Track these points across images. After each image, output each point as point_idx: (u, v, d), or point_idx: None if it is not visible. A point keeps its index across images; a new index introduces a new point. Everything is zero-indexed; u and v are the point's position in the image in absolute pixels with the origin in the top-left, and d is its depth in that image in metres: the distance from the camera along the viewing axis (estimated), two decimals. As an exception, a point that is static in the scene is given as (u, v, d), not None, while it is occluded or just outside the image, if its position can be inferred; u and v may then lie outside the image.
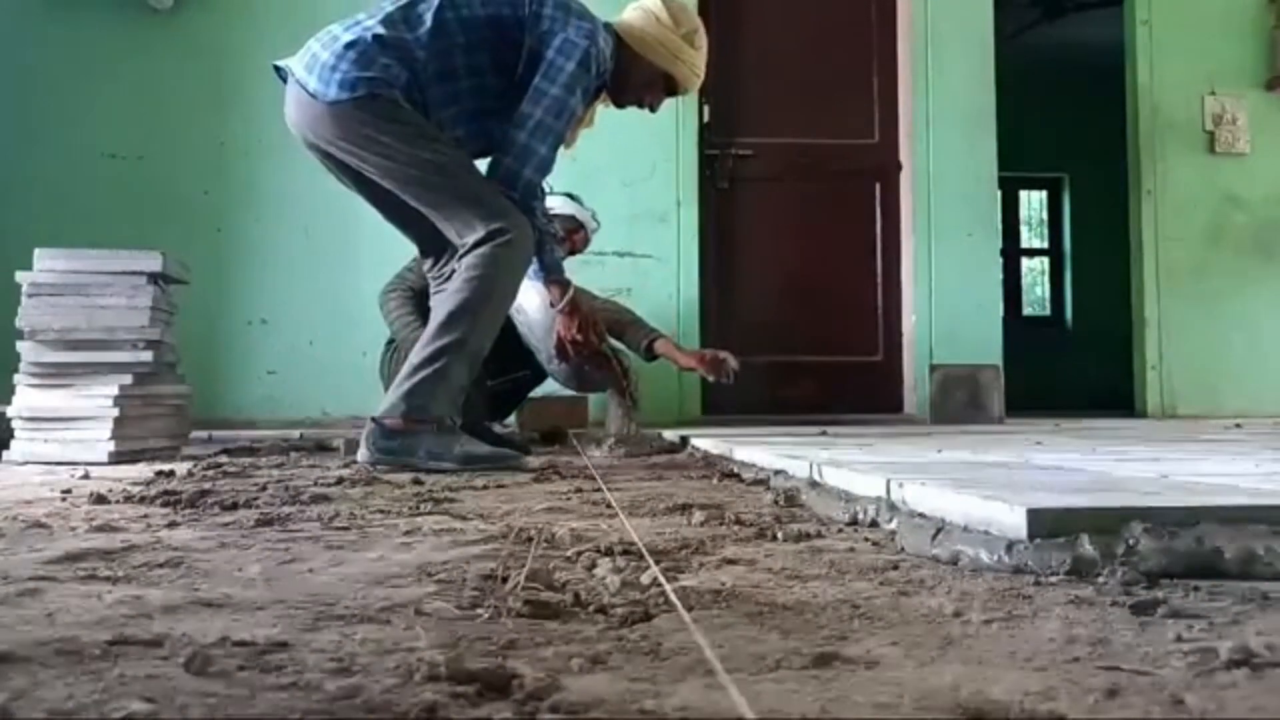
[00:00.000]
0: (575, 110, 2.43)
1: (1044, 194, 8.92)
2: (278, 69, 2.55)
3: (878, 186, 4.83)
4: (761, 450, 2.08)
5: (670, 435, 3.28)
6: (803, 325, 4.75)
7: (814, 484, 1.55)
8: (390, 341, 3.39)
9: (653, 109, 2.72)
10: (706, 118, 4.68)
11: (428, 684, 0.56)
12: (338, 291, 4.38)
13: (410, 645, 0.66)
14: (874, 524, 1.22)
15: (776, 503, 1.50)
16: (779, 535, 1.16)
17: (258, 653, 0.63)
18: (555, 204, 3.22)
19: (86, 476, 2.07)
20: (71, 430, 2.55)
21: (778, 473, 1.81)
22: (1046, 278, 9.00)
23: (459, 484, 1.90)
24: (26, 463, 2.50)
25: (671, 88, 2.67)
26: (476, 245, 2.33)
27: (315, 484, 1.84)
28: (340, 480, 1.93)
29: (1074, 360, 8.04)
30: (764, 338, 4.68)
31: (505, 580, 0.88)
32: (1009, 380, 4.70)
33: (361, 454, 2.24)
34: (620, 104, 2.68)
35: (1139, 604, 0.75)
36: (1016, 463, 1.65)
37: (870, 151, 4.83)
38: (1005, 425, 4.23)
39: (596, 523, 1.29)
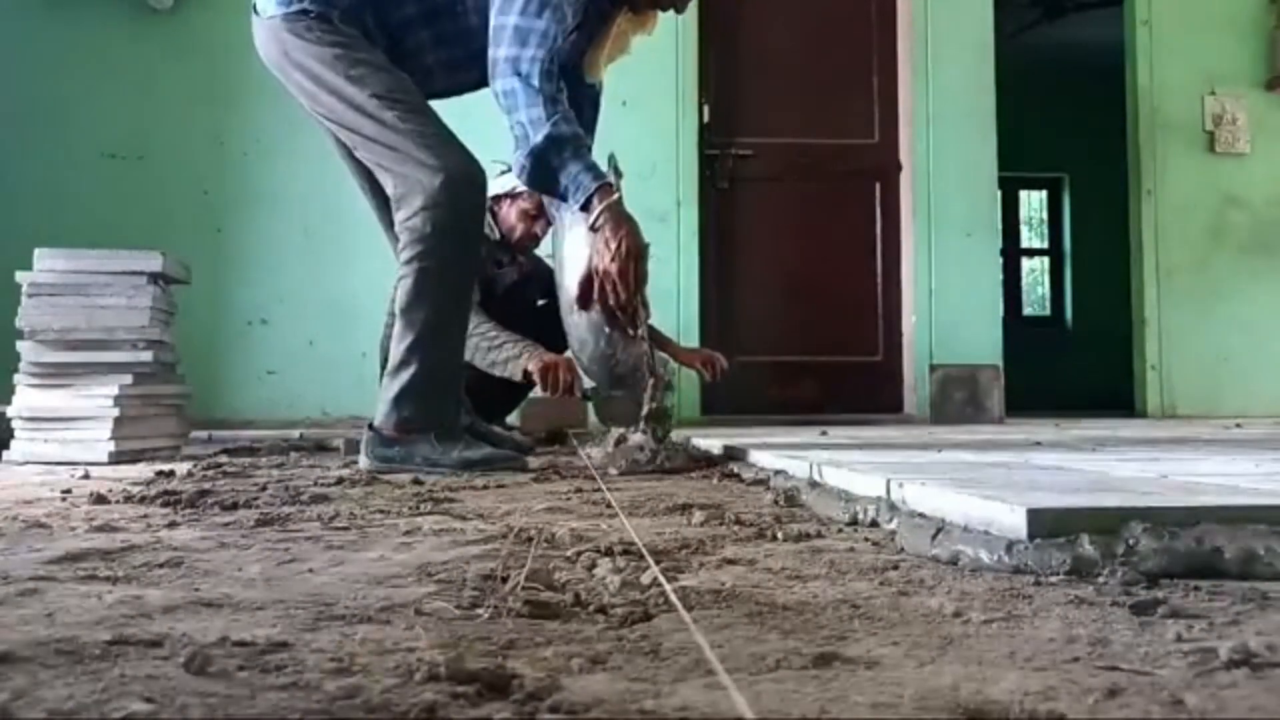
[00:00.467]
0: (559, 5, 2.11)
1: (1044, 194, 8.92)
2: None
3: (878, 186, 4.83)
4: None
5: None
6: (803, 325, 4.76)
7: (814, 484, 1.55)
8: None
9: (679, 9, 2.38)
10: (706, 118, 4.68)
11: (428, 684, 0.56)
12: (338, 291, 4.38)
13: (410, 645, 0.66)
14: (874, 524, 1.22)
15: (776, 503, 1.50)
16: (779, 535, 1.16)
17: (258, 653, 0.63)
18: (508, 182, 3.05)
19: (86, 476, 2.07)
20: (71, 430, 2.55)
21: (778, 473, 1.81)
22: (1046, 278, 9.00)
23: (459, 484, 1.90)
24: (26, 463, 2.50)
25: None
26: (406, 214, 2.20)
27: (315, 484, 1.84)
28: (340, 480, 1.93)
29: (1074, 360, 8.04)
30: (764, 338, 4.69)
31: (505, 580, 0.88)
32: (1009, 380, 4.70)
33: (361, 461, 2.22)
34: (637, 7, 2.35)
35: (1139, 604, 0.75)
36: (1016, 463, 1.65)
37: (870, 151, 4.83)
38: (1005, 425, 4.23)
39: (596, 523, 1.29)
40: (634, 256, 2.09)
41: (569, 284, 2.25)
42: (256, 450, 3.02)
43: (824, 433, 3.28)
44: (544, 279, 3.52)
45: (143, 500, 1.55)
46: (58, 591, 0.84)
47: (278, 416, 4.31)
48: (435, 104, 2.37)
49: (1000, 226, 6.44)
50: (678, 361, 3.62)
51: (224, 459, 2.61)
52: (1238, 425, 3.74)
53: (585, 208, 2.09)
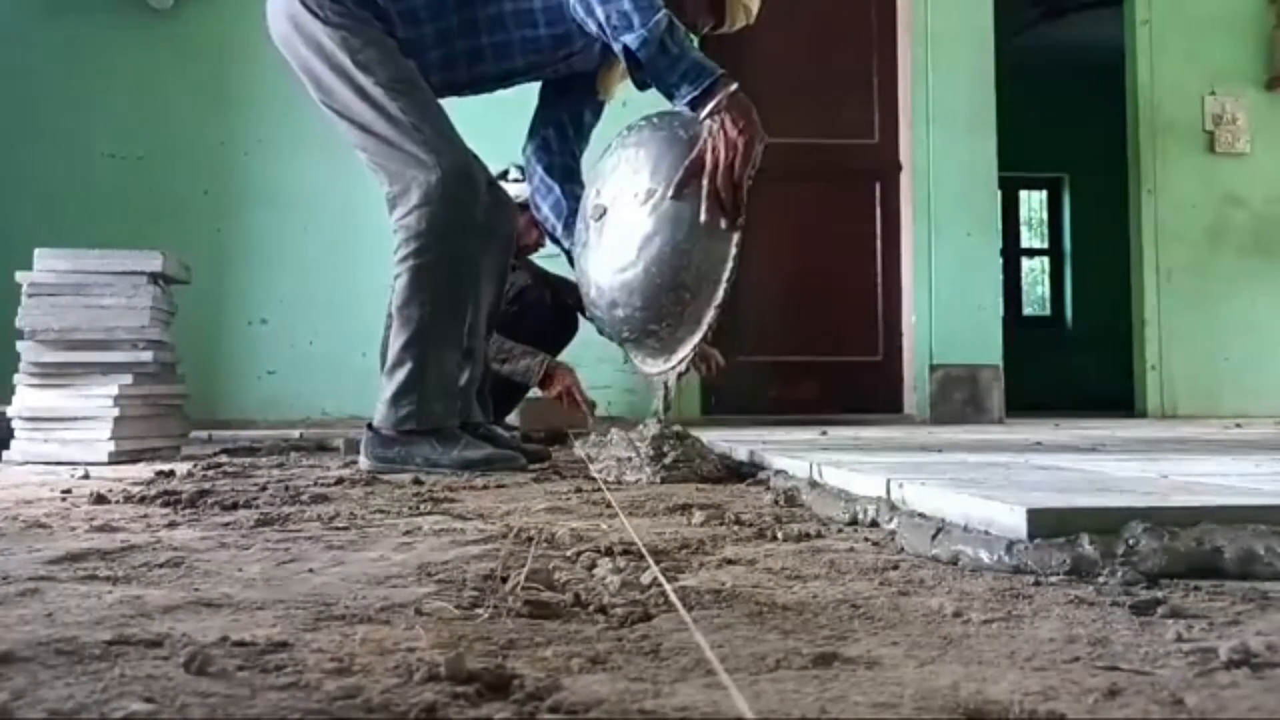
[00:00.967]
0: None
1: (1044, 194, 8.92)
2: None
3: (878, 186, 4.83)
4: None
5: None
6: (803, 325, 4.76)
7: (814, 484, 1.55)
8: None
9: (695, 31, 2.31)
10: (706, 118, 4.67)
11: (428, 684, 0.56)
12: (338, 291, 4.38)
13: (410, 645, 0.66)
14: (874, 524, 1.22)
15: (776, 503, 1.50)
16: (779, 535, 1.16)
17: (258, 653, 0.63)
18: (518, 190, 3.02)
19: (86, 476, 2.07)
20: (71, 430, 2.55)
21: (778, 473, 1.81)
22: (1046, 278, 9.00)
23: (459, 484, 1.90)
24: (26, 463, 2.50)
25: (719, 14, 2.35)
26: (401, 212, 2.20)
27: (315, 484, 1.84)
28: (340, 480, 1.93)
29: (1074, 360, 8.05)
30: (764, 338, 4.69)
31: (505, 580, 0.88)
32: (1009, 380, 4.70)
33: (361, 461, 2.21)
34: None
35: (1139, 604, 0.75)
36: (1016, 463, 1.65)
37: (870, 151, 4.83)
38: (1005, 425, 4.23)
39: (596, 523, 1.29)
40: (756, 143, 1.97)
41: (603, 277, 2.12)
42: (256, 450, 3.02)
43: (824, 432, 3.28)
44: (541, 281, 3.55)
45: (143, 500, 1.55)
46: (58, 591, 0.84)
47: (278, 416, 4.31)
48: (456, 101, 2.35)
49: (1000, 226, 6.45)
50: None
51: (224, 459, 2.61)
52: (1238, 425, 3.74)
53: (705, 93, 1.96)
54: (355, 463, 2.28)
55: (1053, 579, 0.86)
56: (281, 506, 1.46)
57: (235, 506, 1.47)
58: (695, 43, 2.09)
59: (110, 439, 2.54)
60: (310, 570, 0.96)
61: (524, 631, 0.71)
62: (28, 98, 4.35)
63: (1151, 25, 5.11)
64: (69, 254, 2.67)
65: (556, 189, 2.49)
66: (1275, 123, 5.14)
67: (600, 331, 2.29)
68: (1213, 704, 0.52)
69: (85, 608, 0.77)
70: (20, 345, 2.60)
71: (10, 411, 2.57)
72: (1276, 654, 0.60)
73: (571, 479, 1.99)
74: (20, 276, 2.65)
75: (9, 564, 0.98)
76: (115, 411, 2.56)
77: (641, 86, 2.06)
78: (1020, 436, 2.88)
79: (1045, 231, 8.98)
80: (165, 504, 1.50)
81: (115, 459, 2.53)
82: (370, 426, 2.24)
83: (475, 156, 2.31)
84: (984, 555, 0.92)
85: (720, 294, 2.03)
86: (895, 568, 0.94)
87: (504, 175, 3.25)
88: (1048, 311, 8.93)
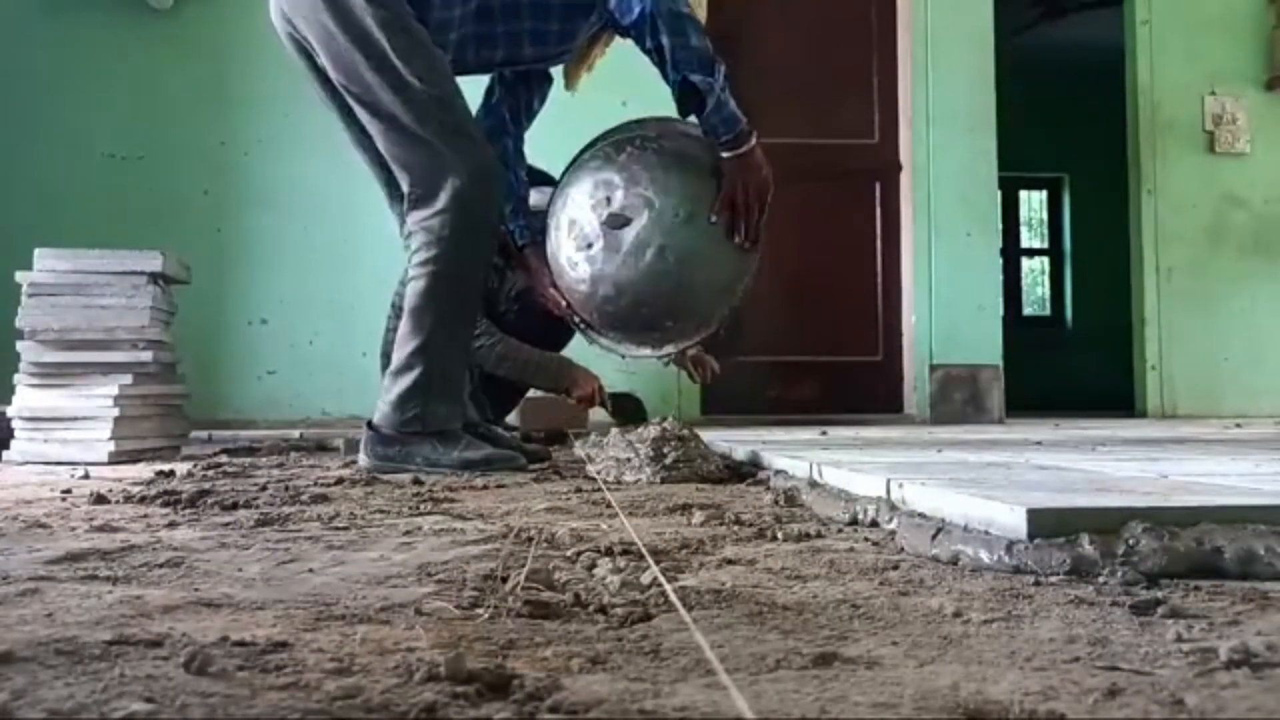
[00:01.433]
0: None
1: (1044, 194, 8.92)
2: None
3: (878, 186, 4.83)
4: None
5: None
6: (803, 325, 4.75)
7: (814, 484, 1.55)
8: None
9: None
10: (706, 118, 4.67)
11: (428, 684, 0.56)
12: (338, 291, 4.38)
13: (410, 645, 0.66)
14: (874, 524, 1.22)
15: (776, 503, 1.50)
16: (779, 535, 1.16)
17: (258, 653, 0.63)
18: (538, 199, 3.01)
19: (86, 476, 2.07)
20: (71, 430, 2.55)
21: (778, 473, 1.81)
22: (1046, 278, 9.00)
23: (459, 484, 1.90)
24: (26, 463, 2.50)
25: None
26: (424, 214, 2.17)
27: (315, 484, 1.84)
28: (340, 480, 1.93)
29: (1074, 360, 8.05)
30: (764, 338, 4.69)
31: (505, 580, 0.88)
32: (1009, 380, 4.70)
33: (361, 460, 2.20)
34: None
35: (1139, 604, 0.75)
36: (1016, 463, 1.65)
37: (870, 151, 4.83)
38: (1005, 425, 4.23)
39: (596, 523, 1.29)
40: (771, 185, 2.34)
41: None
42: (256, 450, 3.02)
43: (824, 432, 3.28)
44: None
45: (143, 500, 1.55)
46: (58, 591, 0.84)
47: (278, 416, 4.32)
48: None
49: (1000, 226, 6.45)
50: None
51: (224, 459, 2.61)
52: (1238, 425, 3.74)
53: (738, 138, 2.28)
54: (355, 463, 2.28)
55: (1053, 579, 0.86)
56: (281, 506, 1.46)
57: (235, 506, 1.47)
58: None
59: (110, 439, 2.54)
60: (310, 570, 0.96)
61: (524, 631, 0.71)
62: (28, 97, 4.35)
63: (1151, 25, 5.11)
64: (69, 254, 2.67)
65: (509, 174, 2.53)
66: (1275, 123, 5.14)
67: (574, 321, 2.54)
68: (1213, 704, 0.52)
69: (85, 608, 0.77)
70: (20, 345, 2.60)
71: (10, 411, 2.57)
72: (1276, 654, 0.60)
73: (571, 479, 1.99)
74: (20, 276, 2.65)
75: (9, 564, 0.98)
76: (115, 411, 2.56)
77: (685, 114, 2.30)
78: (1020, 436, 2.88)
79: (1045, 231, 8.98)
80: (165, 504, 1.50)
81: (115, 459, 2.53)
82: (370, 425, 2.23)
83: (495, 159, 2.32)
84: (984, 555, 0.92)
85: (737, 299, 2.45)
86: (895, 568, 0.94)
87: None
88: (1048, 311, 8.93)
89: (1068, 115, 7.93)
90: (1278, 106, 5.14)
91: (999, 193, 5.09)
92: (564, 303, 2.51)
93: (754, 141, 2.30)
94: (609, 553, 1.02)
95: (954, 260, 4.67)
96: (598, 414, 3.56)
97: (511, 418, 3.68)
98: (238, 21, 4.42)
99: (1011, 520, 0.94)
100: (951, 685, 0.56)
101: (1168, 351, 5.01)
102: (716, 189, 2.27)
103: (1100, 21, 6.57)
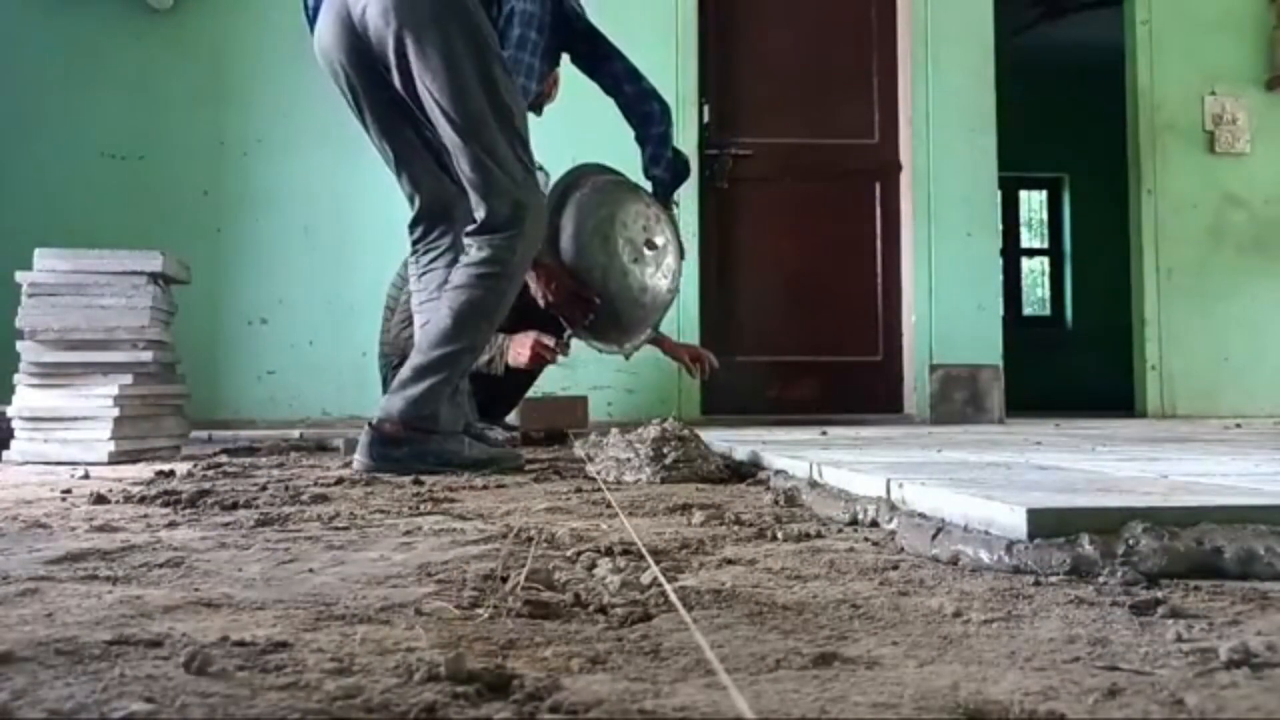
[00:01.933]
0: None
1: (1044, 194, 8.92)
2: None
3: (878, 186, 4.83)
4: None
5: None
6: (803, 325, 4.75)
7: (814, 484, 1.55)
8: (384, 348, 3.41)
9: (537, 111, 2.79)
10: (706, 118, 4.68)
11: (428, 684, 0.56)
12: (337, 291, 4.38)
13: (410, 645, 0.66)
14: (874, 524, 1.22)
15: (776, 503, 1.50)
16: (779, 535, 1.16)
17: (258, 653, 0.63)
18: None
19: (86, 476, 2.07)
20: (71, 430, 2.55)
21: (778, 472, 1.81)
22: (1046, 278, 8.99)
23: (459, 484, 1.90)
24: (26, 463, 2.50)
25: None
26: (495, 225, 2.21)
27: (315, 484, 1.84)
28: (340, 480, 1.93)
29: (1074, 360, 8.04)
30: (764, 338, 4.69)
31: (505, 580, 0.88)
32: (1009, 380, 4.70)
33: (360, 461, 2.16)
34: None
35: (1139, 604, 0.75)
36: (1016, 463, 1.65)
37: (870, 151, 4.83)
38: (1005, 425, 4.23)
39: (596, 523, 1.29)
40: None
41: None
42: (256, 450, 3.02)
43: (824, 432, 3.28)
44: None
45: (143, 500, 1.55)
46: (58, 591, 0.84)
47: (278, 416, 4.32)
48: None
49: (1000, 226, 6.45)
50: (666, 354, 3.63)
51: (224, 459, 2.61)
52: (1238, 425, 3.74)
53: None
54: (356, 461, 2.28)
55: (1053, 579, 0.86)
56: (281, 506, 1.46)
57: (235, 506, 1.47)
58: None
59: (110, 439, 2.54)
60: (310, 570, 0.96)
61: (524, 631, 0.71)
62: (27, 97, 4.35)
63: (1151, 25, 5.11)
64: (69, 254, 2.67)
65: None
66: (1275, 123, 5.14)
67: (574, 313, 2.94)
68: (1213, 704, 0.52)
69: (85, 608, 0.77)
70: (20, 345, 2.60)
71: (10, 411, 2.57)
72: (1276, 654, 0.60)
73: (571, 479, 1.99)
74: (20, 276, 2.65)
75: (9, 564, 0.98)
76: (115, 411, 2.56)
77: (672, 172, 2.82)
78: (1020, 436, 2.88)
79: (1045, 231, 8.97)
80: (165, 504, 1.50)
81: (115, 459, 2.53)
82: (372, 425, 2.21)
83: None
84: (984, 555, 0.92)
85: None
86: (895, 568, 0.94)
87: None
88: (1048, 311, 8.92)
89: (1068, 115, 7.92)
90: (1278, 106, 5.14)
91: (999, 193, 5.09)
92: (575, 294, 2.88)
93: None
94: (609, 553, 1.02)
95: (954, 260, 4.67)
96: (597, 414, 3.55)
97: (511, 418, 3.68)
98: (237, 21, 4.42)
99: (1011, 520, 0.94)
100: (951, 685, 0.57)
101: (1168, 351, 5.01)
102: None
103: (1100, 21, 6.57)
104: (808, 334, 4.75)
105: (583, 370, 3.88)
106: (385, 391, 2.97)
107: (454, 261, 2.34)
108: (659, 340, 3.48)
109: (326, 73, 2.39)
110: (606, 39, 2.70)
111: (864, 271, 4.80)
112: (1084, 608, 0.76)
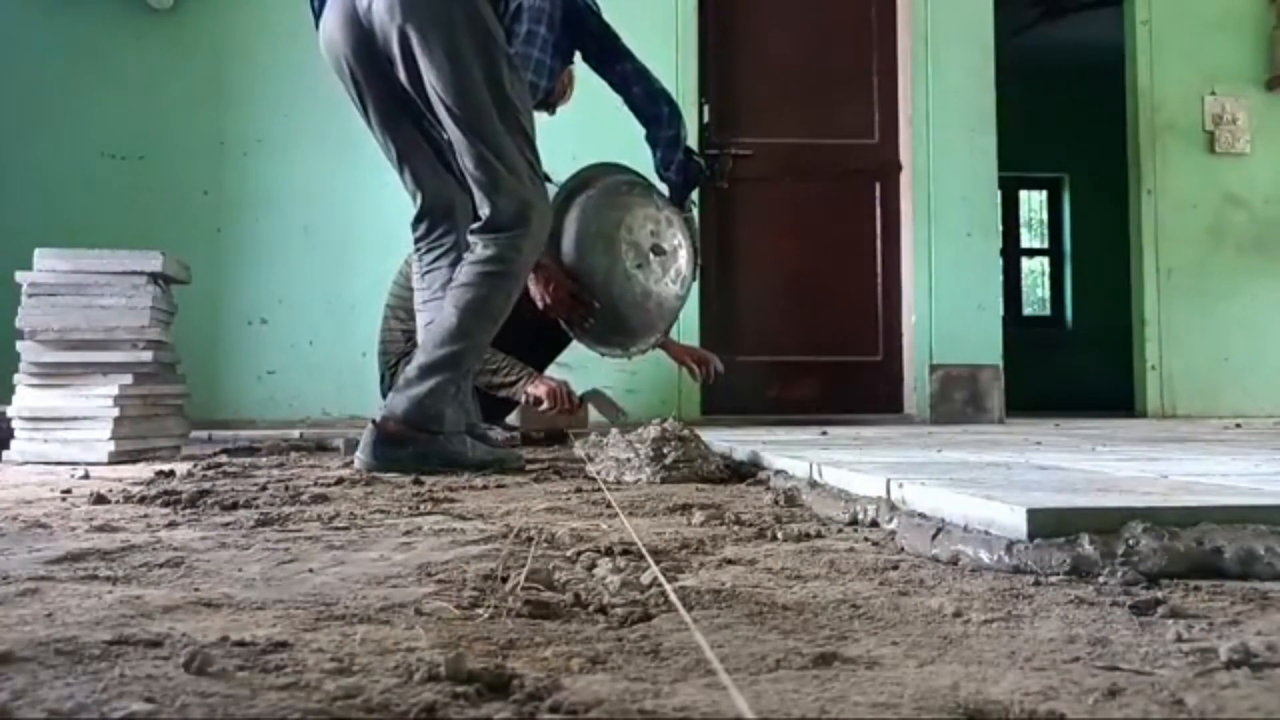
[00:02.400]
0: None
1: (1044, 194, 8.92)
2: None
3: (878, 186, 4.83)
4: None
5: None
6: (803, 325, 4.75)
7: (814, 484, 1.55)
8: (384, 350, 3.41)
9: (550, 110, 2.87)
10: (706, 118, 4.68)
11: (428, 684, 0.56)
12: (337, 291, 4.38)
13: (410, 645, 0.66)
14: (874, 524, 1.22)
15: (776, 503, 1.50)
16: (779, 535, 1.16)
17: (258, 653, 0.63)
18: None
19: (86, 476, 2.07)
20: (71, 430, 2.55)
21: (778, 473, 1.81)
22: (1046, 278, 8.99)
23: (459, 484, 1.90)
24: (26, 463, 2.50)
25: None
26: (500, 223, 2.20)
27: (315, 484, 1.84)
28: (340, 480, 1.93)
29: (1074, 360, 8.04)
30: (764, 338, 4.69)
31: (505, 580, 0.88)
32: (1009, 380, 4.70)
33: (361, 459, 2.15)
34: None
35: (1139, 604, 0.75)
36: (1016, 463, 1.65)
37: (870, 151, 4.83)
38: (1005, 425, 4.23)
39: (596, 523, 1.29)
40: None
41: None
42: (256, 450, 3.02)
43: (824, 432, 3.28)
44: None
45: (143, 500, 1.55)
46: (58, 591, 0.84)
47: (278, 416, 4.32)
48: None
49: (1000, 226, 6.45)
50: (671, 357, 3.63)
51: (224, 459, 2.61)
52: (1238, 425, 3.74)
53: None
54: (356, 461, 2.27)
55: (1053, 579, 0.86)
56: (281, 506, 1.46)
57: (235, 506, 1.47)
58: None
59: (110, 439, 2.54)
60: (310, 570, 0.96)
61: (524, 631, 0.71)
62: (28, 97, 4.35)
63: (1151, 25, 5.11)
64: (69, 254, 2.67)
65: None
66: (1275, 123, 5.14)
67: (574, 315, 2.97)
68: (1213, 704, 0.52)
69: (85, 608, 0.77)
70: (20, 345, 2.60)
71: (10, 411, 2.57)
72: (1276, 654, 0.60)
73: (571, 479, 1.99)
74: (20, 276, 2.65)
75: (9, 564, 0.98)
76: (115, 411, 2.56)
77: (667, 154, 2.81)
78: (1020, 436, 2.88)
79: (1045, 231, 8.97)
80: (165, 504, 1.50)
81: (115, 459, 2.53)
82: (375, 423, 2.19)
83: None
84: (984, 555, 0.92)
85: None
86: (895, 568, 0.94)
87: None
88: (1048, 311, 8.92)
89: (1068, 115, 7.92)
90: (1278, 106, 5.14)
91: (999, 193, 5.09)
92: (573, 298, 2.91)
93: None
94: (609, 553, 1.02)
95: (954, 260, 4.67)
96: (598, 414, 3.55)
97: (511, 418, 3.68)
98: (237, 21, 4.42)
99: (1011, 520, 0.94)
100: (951, 685, 0.56)
101: (1167, 351, 5.01)
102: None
103: (1100, 21, 6.57)
104: (808, 334, 4.75)
105: (587, 371, 3.88)
106: (384, 391, 2.99)
107: (457, 260, 2.32)
108: (665, 344, 3.48)
109: (331, 67, 2.36)
110: (619, 39, 2.68)
111: (864, 271, 4.80)
112: (1084, 608, 0.76)
